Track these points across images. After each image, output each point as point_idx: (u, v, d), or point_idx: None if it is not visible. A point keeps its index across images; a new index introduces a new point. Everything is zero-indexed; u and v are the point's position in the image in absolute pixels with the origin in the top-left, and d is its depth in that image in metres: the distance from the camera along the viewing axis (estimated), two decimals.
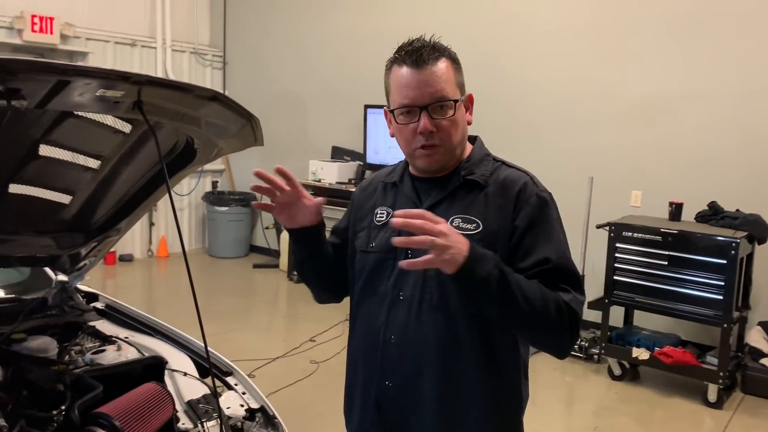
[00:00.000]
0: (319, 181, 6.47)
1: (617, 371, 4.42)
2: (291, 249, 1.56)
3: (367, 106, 6.26)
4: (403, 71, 1.42)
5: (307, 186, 6.56)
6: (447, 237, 1.23)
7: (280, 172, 1.47)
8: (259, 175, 1.48)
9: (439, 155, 1.46)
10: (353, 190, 6.68)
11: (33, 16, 6.00)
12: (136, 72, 1.38)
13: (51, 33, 6.15)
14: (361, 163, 6.48)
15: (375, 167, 6.34)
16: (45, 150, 1.70)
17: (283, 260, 6.89)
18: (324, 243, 1.62)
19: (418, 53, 1.40)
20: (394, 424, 1.52)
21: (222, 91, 7.43)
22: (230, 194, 7.66)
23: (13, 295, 2.32)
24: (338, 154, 6.77)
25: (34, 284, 2.43)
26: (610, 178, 5.05)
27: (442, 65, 1.42)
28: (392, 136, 1.53)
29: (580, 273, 4.64)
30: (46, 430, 1.61)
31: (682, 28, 4.79)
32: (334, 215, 6.20)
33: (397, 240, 1.23)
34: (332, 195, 6.30)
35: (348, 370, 1.65)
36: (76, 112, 1.59)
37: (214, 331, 4.76)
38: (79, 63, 6.37)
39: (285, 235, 6.87)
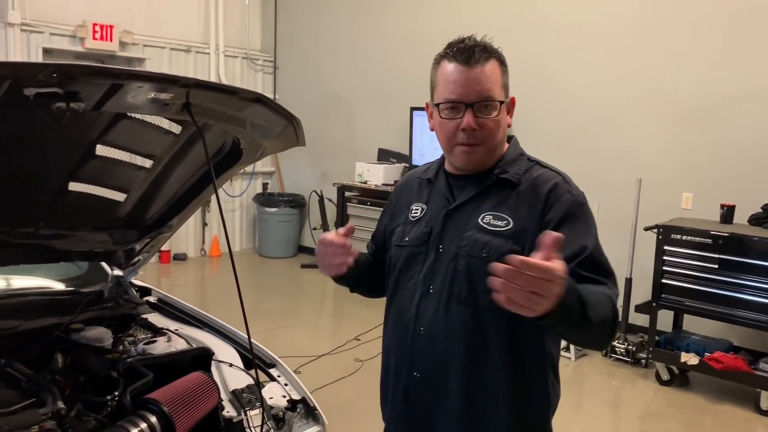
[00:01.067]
0: (365, 182, 6.54)
1: (665, 376, 4.33)
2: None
3: (413, 109, 6.30)
4: (453, 67, 1.43)
5: (353, 187, 6.65)
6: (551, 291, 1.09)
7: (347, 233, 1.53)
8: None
9: (479, 155, 1.47)
10: None
11: (94, 25, 6.27)
12: (184, 75, 1.46)
13: (111, 40, 6.41)
14: (407, 165, 6.53)
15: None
16: (101, 150, 1.81)
17: None
18: (360, 272, 1.65)
19: (469, 51, 1.42)
20: (420, 414, 1.55)
21: (272, 95, 7.63)
22: (280, 195, 7.82)
23: (72, 288, 2.45)
24: (384, 156, 6.84)
25: (91, 278, 2.56)
26: (659, 180, 4.95)
27: (492, 66, 1.43)
28: (432, 129, 1.54)
29: (628, 276, 4.62)
30: (101, 414, 1.71)
31: (736, 27, 4.67)
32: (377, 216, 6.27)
33: (496, 292, 1.09)
34: (378, 196, 6.38)
35: (382, 361, 1.69)
36: (129, 114, 1.69)
37: (263, 328, 4.88)
38: (135, 68, 6.63)
39: None
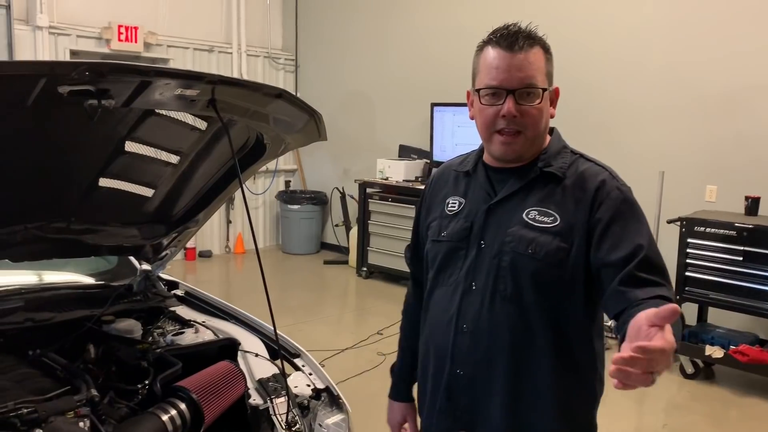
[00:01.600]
0: (387, 179, 6.57)
1: (689, 369, 4.31)
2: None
3: (433, 105, 6.32)
4: (495, 53, 1.40)
5: (374, 184, 6.69)
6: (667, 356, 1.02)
7: None
8: None
9: (519, 144, 1.43)
10: (420, 187, 6.78)
11: (119, 26, 6.39)
12: (209, 72, 1.51)
13: (135, 41, 6.53)
14: (428, 161, 6.56)
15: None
16: (130, 146, 1.86)
17: (352, 257, 7.04)
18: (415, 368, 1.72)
19: (513, 37, 1.39)
20: (463, 412, 1.51)
21: (294, 93, 7.71)
22: (302, 193, 7.89)
23: (103, 282, 2.52)
24: (405, 152, 6.86)
25: (120, 272, 2.63)
26: (683, 173, 4.92)
27: (535, 53, 1.40)
28: (472, 118, 1.50)
29: None
30: (132, 401, 1.77)
31: (760, 17, 4.61)
32: (402, 212, 6.32)
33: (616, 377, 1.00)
34: (399, 192, 6.42)
35: (420, 357, 1.66)
36: (157, 111, 1.74)
37: (287, 323, 4.94)
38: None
39: (354, 232, 7.03)
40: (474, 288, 1.48)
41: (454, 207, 1.56)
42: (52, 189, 1.91)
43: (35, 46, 5.97)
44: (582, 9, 5.51)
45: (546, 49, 1.44)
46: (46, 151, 1.73)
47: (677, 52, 5.01)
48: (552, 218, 1.41)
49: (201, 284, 6.59)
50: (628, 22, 5.25)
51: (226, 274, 7.31)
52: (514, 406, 1.46)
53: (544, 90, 1.41)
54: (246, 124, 1.91)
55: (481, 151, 1.58)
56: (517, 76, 1.38)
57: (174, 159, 2.02)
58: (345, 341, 4.81)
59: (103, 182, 1.98)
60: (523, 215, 1.44)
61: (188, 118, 1.87)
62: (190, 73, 1.49)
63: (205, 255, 7.48)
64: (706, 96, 4.88)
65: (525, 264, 1.42)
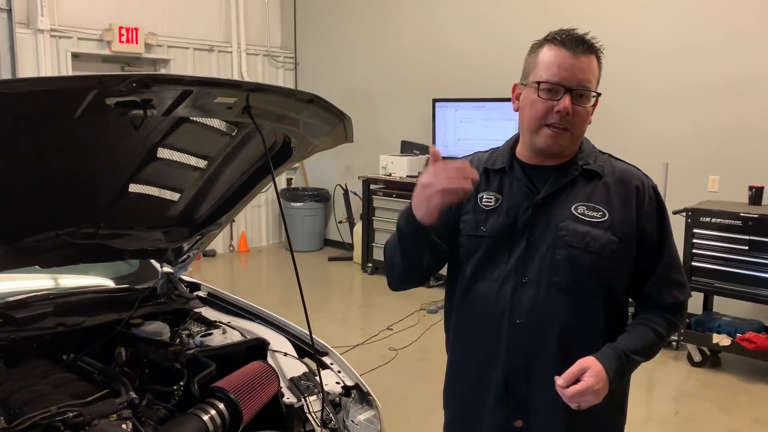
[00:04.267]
0: (390, 175, 6.61)
1: (697, 358, 4.38)
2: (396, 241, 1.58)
3: (435, 100, 6.36)
4: (559, 52, 1.46)
5: (377, 180, 6.72)
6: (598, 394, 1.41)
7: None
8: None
9: (565, 140, 1.49)
10: None
11: (120, 28, 6.38)
12: (246, 80, 1.54)
13: (136, 43, 6.52)
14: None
15: (444, 160, 6.45)
16: (162, 152, 1.89)
17: (357, 253, 7.08)
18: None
19: (578, 41, 1.47)
20: (520, 401, 1.55)
21: None
22: (304, 190, 7.92)
23: (127, 285, 2.54)
24: (407, 148, 6.89)
25: (143, 275, 2.65)
26: (685, 164, 4.97)
27: (593, 59, 1.49)
28: (516, 110, 1.57)
29: None
30: (169, 402, 1.81)
31: (766, 5, 4.66)
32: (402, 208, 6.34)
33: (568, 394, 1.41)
34: (403, 188, 6.45)
35: (455, 354, 1.68)
36: (190, 118, 1.77)
37: (295, 321, 4.95)
38: (173, 72, 6.72)
39: (357, 229, 7.06)
40: (525, 281, 1.52)
41: (490, 202, 1.59)
42: (84, 196, 1.94)
43: (37, 49, 5.96)
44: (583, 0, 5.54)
45: (600, 60, 1.51)
46: (81, 159, 1.76)
47: (678, 41, 5.05)
48: (601, 213, 1.51)
49: (207, 283, 6.61)
50: (629, 11, 5.28)
51: (231, 272, 7.33)
52: None
53: (598, 95, 1.51)
54: (274, 128, 1.94)
55: (511, 148, 1.62)
56: (577, 77, 1.46)
57: (202, 164, 2.05)
58: (354, 338, 4.85)
59: (133, 188, 2.01)
60: (572, 210, 1.52)
61: (216, 123, 1.90)
62: (228, 81, 1.52)
63: (210, 254, 7.50)
64: (708, 86, 4.93)
65: (581, 257, 1.49)
